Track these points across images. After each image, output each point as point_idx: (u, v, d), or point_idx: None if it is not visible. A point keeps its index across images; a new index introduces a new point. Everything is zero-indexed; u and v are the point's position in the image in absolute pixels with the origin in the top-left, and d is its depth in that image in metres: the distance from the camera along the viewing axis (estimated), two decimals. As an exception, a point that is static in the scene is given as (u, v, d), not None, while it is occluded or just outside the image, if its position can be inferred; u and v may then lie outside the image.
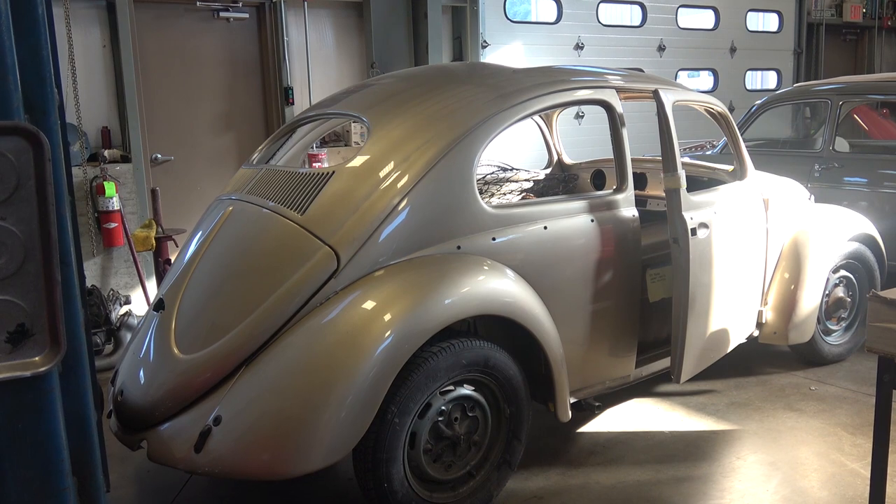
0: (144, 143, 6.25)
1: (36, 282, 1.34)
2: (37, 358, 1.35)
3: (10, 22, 1.30)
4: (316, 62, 7.16)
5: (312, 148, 6.50)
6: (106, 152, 5.95)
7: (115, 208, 5.76)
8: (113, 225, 5.77)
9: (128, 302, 5.24)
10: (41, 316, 1.35)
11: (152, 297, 3.32)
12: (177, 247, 5.36)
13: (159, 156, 6.44)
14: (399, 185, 2.86)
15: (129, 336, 4.51)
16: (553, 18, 8.58)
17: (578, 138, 7.94)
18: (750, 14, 10.43)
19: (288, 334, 2.68)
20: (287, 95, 6.90)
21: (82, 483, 1.54)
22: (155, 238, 5.36)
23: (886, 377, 2.07)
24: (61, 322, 1.36)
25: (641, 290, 3.55)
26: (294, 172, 3.15)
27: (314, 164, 6.61)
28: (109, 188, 5.71)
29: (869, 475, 2.36)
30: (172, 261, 3.66)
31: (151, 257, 5.67)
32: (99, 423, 2.40)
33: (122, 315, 4.91)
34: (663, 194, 3.50)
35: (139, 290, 5.89)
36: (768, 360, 4.59)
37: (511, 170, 4.73)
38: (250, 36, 6.91)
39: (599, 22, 8.86)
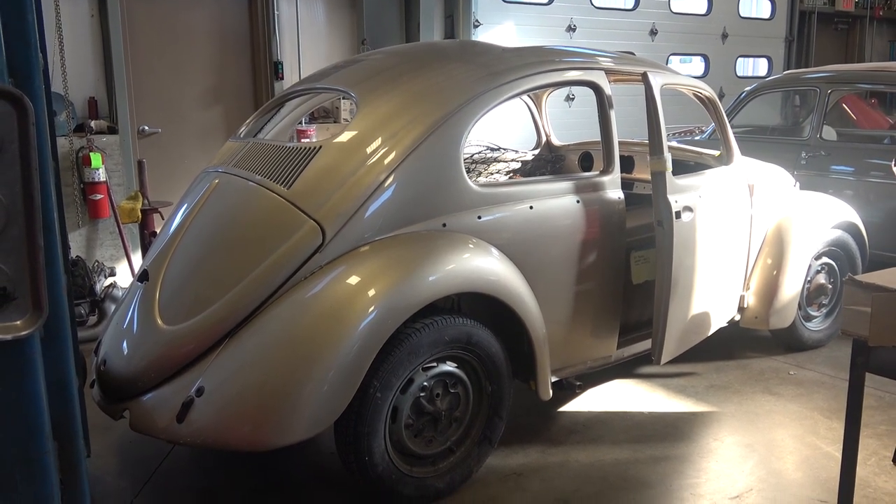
0: (132, 114, 6.20)
1: (19, 246, 1.34)
2: (18, 322, 1.35)
3: (-7, -16, 1.29)
4: (306, 37, 7.10)
5: (301, 123, 6.47)
6: (93, 123, 5.89)
7: (101, 180, 5.73)
8: (99, 196, 5.74)
9: (112, 274, 5.23)
10: (23, 280, 1.36)
11: (137, 270, 3.31)
12: (163, 219, 5.35)
13: (146, 128, 6.39)
14: (386, 161, 2.87)
15: (113, 307, 4.51)
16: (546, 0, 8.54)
17: (569, 120, 7.93)
18: (742, 0, 10.42)
19: (272, 307, 2.69)
20: (277, 70, 6.85)
21: (62, 447, 1.56)
22: (141, 210, 5.34)
23: (860, 359, 2.11)
24: (43, 286, 1.36)
25: (625, 272, 3.58)
26: (281, 146, 3.15)
27: (302, 140, 6.58)
28: (95, 159, 5.67)
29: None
30: (158, 233, 3.66)
31: (137, 229, 5.66)
32: (80, 389, 2.41)
33: (106, 286, 4.90)
34: (650, 177, 3.52)
35: (124, 262, 5.88)
36: (749, 344, 4.64)
37: (499, 150, 4.73)
38: (240, 9, 6.84)
39: (592, 4, 8.82)
